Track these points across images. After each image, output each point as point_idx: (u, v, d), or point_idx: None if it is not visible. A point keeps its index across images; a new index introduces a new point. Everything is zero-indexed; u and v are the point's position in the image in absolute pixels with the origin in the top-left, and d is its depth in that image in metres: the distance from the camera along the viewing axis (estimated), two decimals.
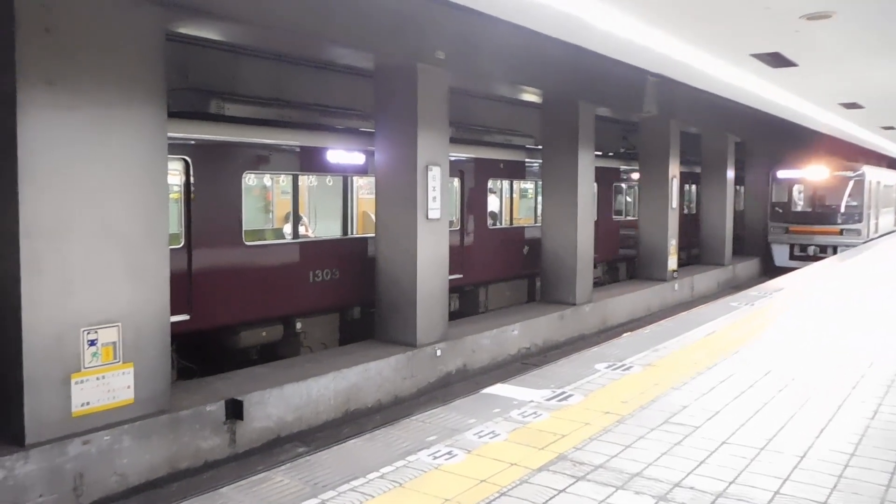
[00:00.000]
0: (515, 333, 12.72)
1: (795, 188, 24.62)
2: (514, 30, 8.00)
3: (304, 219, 11.76)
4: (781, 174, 24.39)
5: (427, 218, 10.59)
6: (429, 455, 4.37)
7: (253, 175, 10.25)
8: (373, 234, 11.43)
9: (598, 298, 15.27)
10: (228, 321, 9.56)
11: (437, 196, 10.73)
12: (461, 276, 12.93)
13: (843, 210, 23.47)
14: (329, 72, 13.14)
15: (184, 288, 8.72)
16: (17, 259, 6.36)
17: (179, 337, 8.57)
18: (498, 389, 5.91)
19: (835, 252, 22.10)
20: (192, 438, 7.65)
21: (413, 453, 4.39)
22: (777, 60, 9.42)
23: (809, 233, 23.59)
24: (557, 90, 13.50)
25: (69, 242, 6.66)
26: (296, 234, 10.85)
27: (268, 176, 11.09)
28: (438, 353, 10.94)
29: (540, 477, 4.06)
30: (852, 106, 14.78)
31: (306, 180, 11.53)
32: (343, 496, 3.76)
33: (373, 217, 12.24)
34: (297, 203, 10.88)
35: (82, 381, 6.77)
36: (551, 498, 3.78)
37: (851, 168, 23.76)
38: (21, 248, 6.36)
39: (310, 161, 10.82)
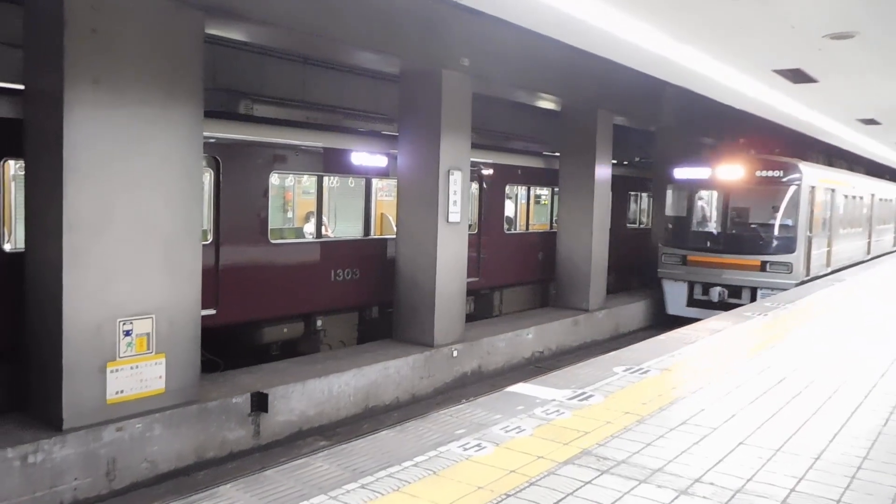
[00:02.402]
0: (530, 337, 12.92)
1: (698, 196, 16.71)
2: (537, 39, 8.20)
3: (325, 219, 12.00)
4: (679, 174, 16.51)
5: (447, 221, 10.82)
6: (459, 447, 4.58)
7: (279, 175, 10.49)
8: (391, 236, 11.67)
9: (611, 305, 15.45)
10: (253, 317, 9.80)
11: (458, 200, 10.96)
12: (477, 279, 13.14)
13: (765, 232, 15.67)
14: (353, 75, 13.39)
15: (212, 283, 8.96)
16: (59, 251, 6.62)
17: (206, 331, 8.81)
18: (521, 388, 6.11)
19: (753, 298, 14.87)
20: (218, 429, 7.89)
21: (443, 445, 4.60)
22: (798, 76, 9.61)
23: (715, 265, 15.60)
24: (577, 99, 13.72)
25: (108, 236, 6.92)
26: (318, 233, 11.07)
27: (292, 176, 11.35)
28: (455, 353, 11.16)
29: (566, 469, 4.26)
30: (870, 122, 14.91)
31: (328, 181, 11.76)
32: (381, 482, 3.98)
33: (391, 219, 12.50)
34: (321, 203, 11.09)
35: (117, 370, 7.02)
36: (578, 489, 3.98)
37: (781, 167, 15.38)
38: (64, 241, 6.63)
39: (333, 162, 11.05)
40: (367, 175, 11.58)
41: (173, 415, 7.45)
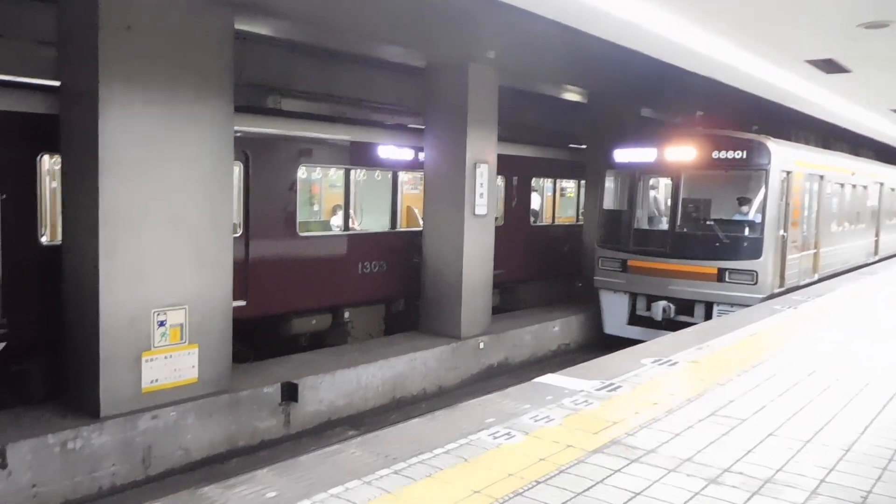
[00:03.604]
0: (556, 330, 12.94)
1: (643, 184, 13.30)
2: (562, 31, 8.17)
3: (352, 212, 12.10)
4: (621, 156, 13.09)
5: (474, 214, 10.86)
6: (489, 435, 4.64)
7: (306, 168, 10.60)
8: (417, 228, 11.74)
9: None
10: (282, 309, 9.93)
11: (485, 193, 10.99)
12: (502, 271, 13.16)
13: (724, 231, 12.07)
14: (380, 69, 13.43)
15: (242, 275, 9.09)
16: (96, 245, 6.79)
17: (236, 322, 8.95)
18: (549, 379, 6.15)
19: (708, 315, 11.83)
20: (249, 418, 8.04)
21: (473, 433, 4.66)
22: (830, 67, 9.49)
23: (661, 273, 12.36)
24: (603, 90, 13.66)
25: (143, 230, 7.07)
26: (346, 226, 11.17)
27: (320, 169, 11.46)
28: (481, 346, 11.22)
29: (595, 458, 4.30)
30: None
31: (355, 175, 11.84)
32: (413, 468, 4.05)
33: (416, 212, 12.57)
34: (349, 196, 11.19)
35: (152, 360, 7.18)
36: (607, 477, 4.03)
37: (744, 146, 11.99)
38: (100, 235, 6.79)
39: (360, 156, 11.13)
40: (393, 168, 11.65)
41: (206, 404, 7.60)
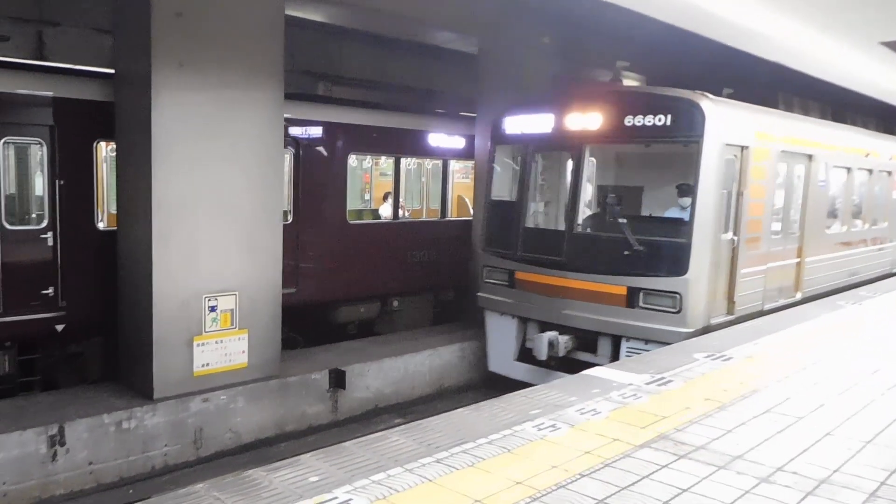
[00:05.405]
0: None
1: (536, 164, 9.61)
2: (619, 13, 7.95)
3: (402, 200, 12.09)
4: (512, 125, 9.40)
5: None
6: (533, 427, 4.56)
7: (357, 156, 10.61)
8: (468, 218, 11.66)
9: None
10: (331, 296, 9.98)
11: None
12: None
13: (638, 232, 8.21)
14: (432, 56, 13.38)
15: (291, 263, 9.16)
16: (149, 230, 6.93)
17: (286, 309, 9.04)
18: (597, 372, 6.03)
19: (615, 356, 8.24)
20: (297, 403, 8.12)
21: (518, 424, 4.60)
22: None
23: (555, 291, 8.69)
24: (659, 75, 13.32)
25: (194, 216, 7.18)
26: (396, 215, 11.16)
27: (370, 157, 11.47)
28: None
29: (642, 453, 4.19)
30: None
31: (406, 163, 11.83)
32: (456, 457, 4.01)
33: (467, 201, 12.49)
34: (399, 185, 11.17)
35: (203, 344, 7.30)
36: (654, 472, 3.91)
37: (666, 108, 8.05)
38: (153, 220, 6.91)
39: (410, 144, 11.08)
40: (444, 157, 11.58)
41: (255, 388, 7.70)
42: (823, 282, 11.07)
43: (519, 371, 9.09)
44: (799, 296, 10.32)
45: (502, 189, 9.72)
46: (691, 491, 3.70)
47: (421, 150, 11.28)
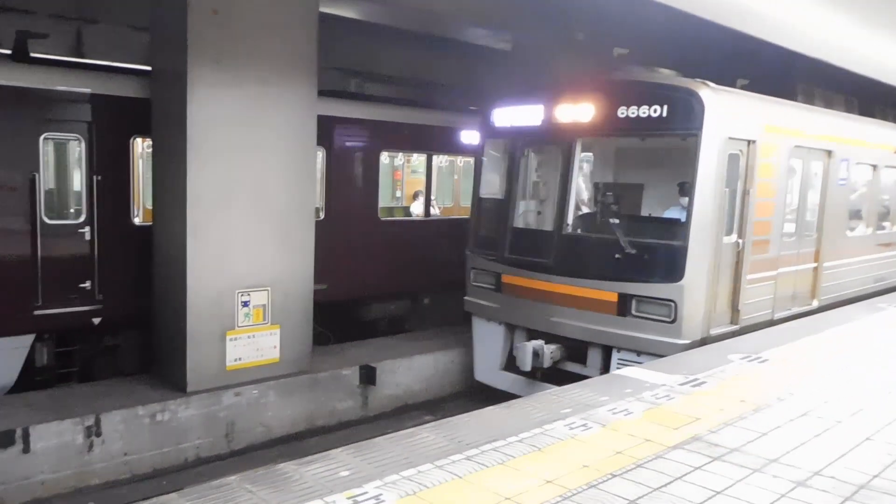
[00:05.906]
0: None
1: (526, 159, 9.01)
2: (654, 10, 7.78)
3: (433, 197, 12.07)
4: (501, 118, 8.84)
5: None
6: (564, 425, 4.53)
7: (388, 154, 10.62)
8: None
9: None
10: (362, 293, 10.01)
11: None
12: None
13: (630, 234, 7.61)
14: (466, 54, 13.32)
15: (323, 259, 9.19)
16: (184, 225, 7.01)
17: (317, 305, 9.09)
18: (630, 372, 5.97)
19: (606, 368, 7.69)
20: (328, 399, 8.16)
21: (549, 423, 4.56)
22: None
23: (542, 297, 8.14)
24: (700, 73, 13.08)
25: (228, 212, 7.25)
26: (427, 212, 11.15)
27: (401, 154, 11.47)
28: None
29: (675, 454, 4.13)
30: None
31: (437, 160, 11.80)
32: (486, 454, 3.99)
33: None
34: (430, 182, 11.15)
35: (236, 339, 7.37)
36: (687, 473, 3.85)
37: (661, 97, 7.43)
38: (188, 215, 6.99)
39: (442, 141, 11.05)
40: (475, 154, 11.51)
41: (287, 383, 7.76)
42: (845, 288, 10.31)
43: (504, 381, 8.62)
44: (816, 303, 9.60)
45: (492, 186, 9.13)
46: (725, 493, 3.64)
47: (453, 147, 11.25)
